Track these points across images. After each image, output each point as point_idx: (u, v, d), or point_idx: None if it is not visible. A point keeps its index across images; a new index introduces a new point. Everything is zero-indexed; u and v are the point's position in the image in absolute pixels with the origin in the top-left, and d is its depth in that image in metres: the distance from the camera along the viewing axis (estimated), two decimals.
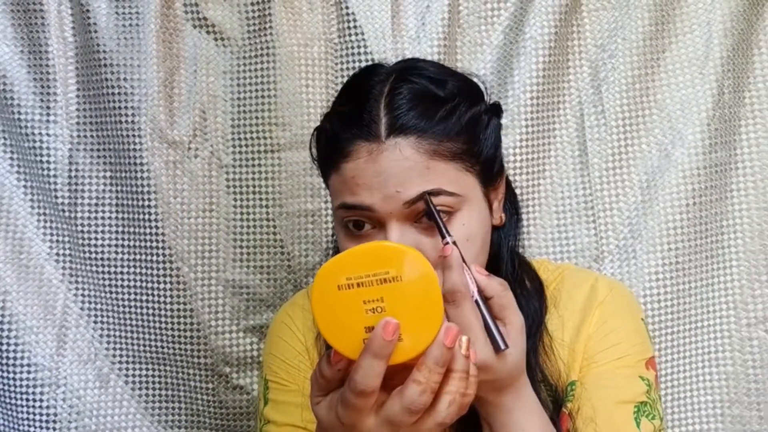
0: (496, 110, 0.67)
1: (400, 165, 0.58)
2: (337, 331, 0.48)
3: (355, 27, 0.97)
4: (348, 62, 0.98)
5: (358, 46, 0.97)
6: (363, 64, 0.96)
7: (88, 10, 0.99)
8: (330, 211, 0.99)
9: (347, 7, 0.98)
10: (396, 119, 0.59)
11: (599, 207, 0.96)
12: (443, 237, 0.56)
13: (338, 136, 0.62)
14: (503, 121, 0.92)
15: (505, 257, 0.70)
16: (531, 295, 0.69)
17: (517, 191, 0.95)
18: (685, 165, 0.94)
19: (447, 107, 0.61)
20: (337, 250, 0.68)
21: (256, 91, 1.00)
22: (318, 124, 0.68)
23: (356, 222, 0.61)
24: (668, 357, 0.94)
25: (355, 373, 0.46)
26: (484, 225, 0.63)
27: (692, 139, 0.94)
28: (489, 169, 0.64)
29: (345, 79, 0.96)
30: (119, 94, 0.99)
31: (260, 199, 1.00)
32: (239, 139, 1.01)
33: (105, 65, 0.99)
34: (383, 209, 0.59)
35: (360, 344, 0.47)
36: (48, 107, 1.01)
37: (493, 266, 0.64)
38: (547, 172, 0.98)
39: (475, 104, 0.64)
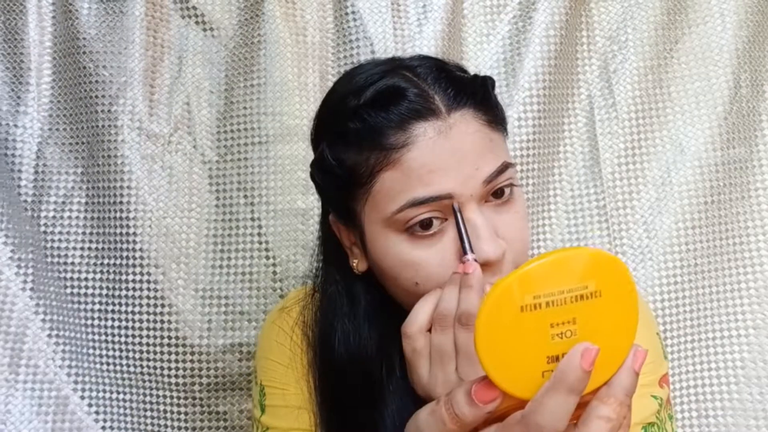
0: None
1: (472, 139, 0.53)
2: (508, 365, 0.38)
3: (353, 14, 0.93)
4: (344, 51, 0.94)
5: (357, 32, 0.93)
6: (361, 53, 0.92)
7: None
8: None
9: None
10: (451, 91, 0.54)
11: (612, 205, 0.92)
12: (465, 252, 0.51)
13: (384, 128, 0.53)
14: (514, 115, 0.89)
15: None
16: None
17: (528, 189, 0.91)
18: (702, 161, 0.91)
19: (473, 77, 0.58)
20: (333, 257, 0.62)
21: (245, 80, 0.95)
22: (310, 116, 0.61)
23: (424, 221, 0.53)
24: (688, 367, 0.88)
25: (538, 414, 0.37)
26: None
27: (709, 133, 0.91)
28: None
29: (341, 68, 0.93)
30: (97, 82, 0.94)
31: (245, 197, 0.94)
32: (225, 131, 0.96)
33: (84, 52, 0.94)
34: (464, 192, 0.52)
35: (537, 379, 0.38)
36: (19, 97, 0.96)
37: None
38: (556, 169, 0.94)
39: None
